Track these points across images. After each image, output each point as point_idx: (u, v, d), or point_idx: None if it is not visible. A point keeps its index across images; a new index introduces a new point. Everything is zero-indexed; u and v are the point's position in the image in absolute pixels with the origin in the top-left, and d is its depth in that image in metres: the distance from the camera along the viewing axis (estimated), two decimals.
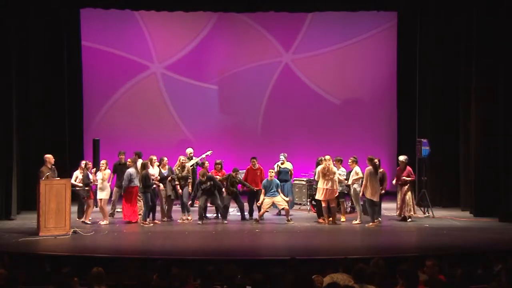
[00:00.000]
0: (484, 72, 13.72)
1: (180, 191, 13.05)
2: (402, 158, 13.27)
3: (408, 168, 13.08)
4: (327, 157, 12.75)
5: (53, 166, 12.25)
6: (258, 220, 12.91)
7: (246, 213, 13.45)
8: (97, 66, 17.20)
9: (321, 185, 12.65)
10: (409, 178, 12.98)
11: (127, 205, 12.75)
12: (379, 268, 6.85)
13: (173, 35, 17.69)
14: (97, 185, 12.84)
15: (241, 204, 13.32)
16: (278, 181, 13.13)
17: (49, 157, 12.22)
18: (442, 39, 15.25)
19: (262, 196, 12.95)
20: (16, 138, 13.86)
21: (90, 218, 12.74)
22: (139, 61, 17.54)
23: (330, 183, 12.60)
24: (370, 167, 12.45)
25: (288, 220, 12.85)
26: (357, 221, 12.74)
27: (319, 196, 12.70)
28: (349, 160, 12.87)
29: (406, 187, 12.95)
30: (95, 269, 6.20)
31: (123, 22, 17.25)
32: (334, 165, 12.87)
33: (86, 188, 12.63)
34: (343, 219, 13.07)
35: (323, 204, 12.72)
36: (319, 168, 12.75)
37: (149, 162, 12.85)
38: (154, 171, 12.98)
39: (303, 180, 14.97)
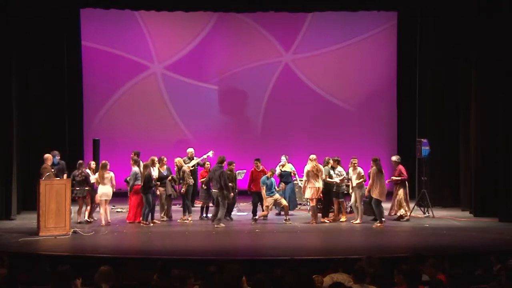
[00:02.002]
0: (484, 72, 13.73)
1: (184, 190, 13.07)
2: (394, 158, 13.32)
3: (399, 167, 13.09)
4: (313, 156, 12.83)
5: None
6: (256, 220, 12.91)
7: (241, 213, 13.51)
8: (97, 66, 17.20)
9: (311, 184, 12.70)
10: (399, 178, 12.99)
11: (135, 204, 12.78)
12: (373, 266, 6.83)
13: (173, 35, 17.69)
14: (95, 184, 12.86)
15: (234, 202, 13.44)
16: (273, 180, 13.11)
17: (49, 157, 12.23)
18: (442, 39, 15.25)
19: (263, 193, 12.94)
20: (16, 138, 13.86)
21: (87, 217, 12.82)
22: (139, 61, 17.54)
23: (319, 182, 12.69)
24: (374, 168, 12.46)
25: (286, 220, 12.85)
26: (358, 221, 12.75)
27: (309, 195, 12.75)
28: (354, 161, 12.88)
29: (397, 186, 12.97)
30: (103, 267, 6.20)
31: (123, 22, 17.25)
32: (332, 165, 13.05)
33: (86, 188, 12.66)
34: (343, 219, 13.09)
35: (312, 203, 12.83)
36: (309, 167, 12.74)
37: (151, 163, 12.85)
38: (154, 172, 12.97)
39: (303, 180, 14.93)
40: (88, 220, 12.69)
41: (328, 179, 12.90)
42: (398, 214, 13.08)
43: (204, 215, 13.43)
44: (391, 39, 17.53)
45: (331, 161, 13.12)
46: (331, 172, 13.00)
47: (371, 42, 17.67)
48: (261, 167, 13.51)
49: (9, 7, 13.74)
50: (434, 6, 15.49)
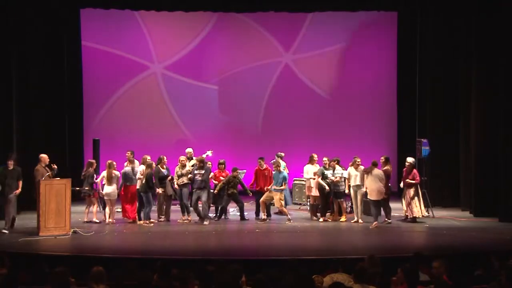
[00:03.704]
0: (484, 72, 13.74)
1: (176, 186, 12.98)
2: (409, 160, 13.17)
3: (414, 170, 13.00)
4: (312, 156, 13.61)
5: (50, 166, 12.22)
6: (265, 218, 12.94)
7: (246, 213, 13.45)
8: (97, 66, 17.21)
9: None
10: (414, 181, 12.92)
11: (128, 204, 12.79)
12: (375, 265, 6.83)
13: (173, 35, 17.71)
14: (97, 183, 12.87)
15: (241, 204, 13.29)
16: (285, 174, 13.09)
17: (44, 156, 12.23)
18: (442, 39, 15.25)
19: (273, 187, 13.03)
20: (16, 138, 13.85)
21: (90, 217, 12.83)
22: (139, 61, 17.56)
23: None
24: (378, 171, 12.55)
25: (288, 220, 12.86)
26: (358, 220, 12.78)
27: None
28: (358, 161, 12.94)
29: (411, 189, 12.90)
30: (95, 268, 6.19)
31: (123, 22, 17.27)
32: (331, 165, 13.17)
33: (86, 188, 12.68)
34: (343, 219, 13.09)
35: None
36: None
37: (153, 163, 12.83)
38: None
39: (303, 180, 14.94)
40: (96, 221, 12.68)
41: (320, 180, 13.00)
42: (410, 216, 13.01)
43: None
44: (391, 39, 17.54)
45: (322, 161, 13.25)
46: (325, 172, 13.06)
47: (371, 42, 17.67)
48: (264, 166, 13.51)
49: (9, 7, 13.74)
50: (434, 6, 15.49)
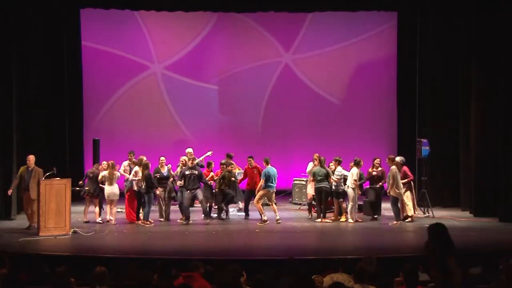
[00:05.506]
0: (484, 72, 13.74)
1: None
2: (397, 159, 13.25)
3: (404, 168, 13.07)
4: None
5: (44, 168, 12.22)
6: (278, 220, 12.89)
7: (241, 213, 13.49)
8: (97, 66, 17.21)
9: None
10: (405, 180, 12.96)
11: (133, 206, 12.84)
12: (372, 266, 6.84)
13: (173, 35, 17.70)
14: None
15: (220, 205, 13.34)
16: (273, 171, 13.02)
17: (28, 157, 12.25)
18: (442, 39, 15.26)
19: (260, 185, 12.97)
20: (16, 138, 13.84)
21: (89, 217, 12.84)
22: (139, 61, 17.55)
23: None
24: (393, 167, 12.57)
25: (262, 221, 12.79)
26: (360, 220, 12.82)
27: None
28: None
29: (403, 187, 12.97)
30: (99, 269, 6.19)
31: (123, 22, 17.25)
32: (333, 165, 13.27)
33: (86, 188, 12.70)
34: (343, 219, 13.09)
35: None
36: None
37: (149, 163, 12.84)
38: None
39: (303, 180, 14.97)
40: (99, 221, 12.69)
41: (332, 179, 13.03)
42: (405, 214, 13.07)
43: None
44: (391, 39, 17.53)
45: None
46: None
47: (371, 42, 17.66)
48: (254, 164, 13.53)
49: (9, 7, 13.73)
50: (434, 6, 15.49)
